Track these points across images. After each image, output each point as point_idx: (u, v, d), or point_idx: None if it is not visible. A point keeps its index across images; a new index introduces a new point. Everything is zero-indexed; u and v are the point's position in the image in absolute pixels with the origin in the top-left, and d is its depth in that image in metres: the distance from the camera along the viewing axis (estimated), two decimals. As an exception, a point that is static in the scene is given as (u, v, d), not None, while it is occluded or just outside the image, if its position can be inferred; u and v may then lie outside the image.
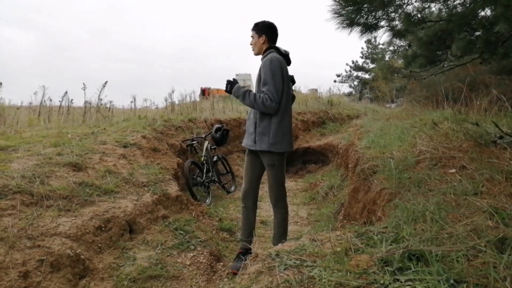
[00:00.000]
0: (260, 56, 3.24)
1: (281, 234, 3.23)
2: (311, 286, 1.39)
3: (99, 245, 2.86)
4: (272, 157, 3.12)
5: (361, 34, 5.14)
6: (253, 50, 3.28)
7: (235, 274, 2.93)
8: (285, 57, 3.20)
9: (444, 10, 5.44)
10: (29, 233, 2.48)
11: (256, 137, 3.08)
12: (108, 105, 8.17)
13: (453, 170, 2.40)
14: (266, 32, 3.19)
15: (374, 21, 4.99)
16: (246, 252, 3.19)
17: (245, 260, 2.92)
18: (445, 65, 6.05)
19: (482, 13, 5.04)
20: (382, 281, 1.32)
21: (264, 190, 6.14)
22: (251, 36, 3.26)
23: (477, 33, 5.16)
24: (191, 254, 3.25)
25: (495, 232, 1.50)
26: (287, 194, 6.70)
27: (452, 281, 1.26)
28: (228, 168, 6.94)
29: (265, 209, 5.47)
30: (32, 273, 2.28)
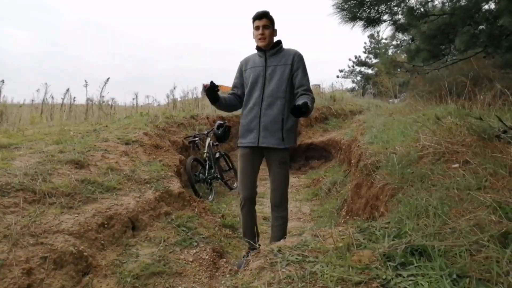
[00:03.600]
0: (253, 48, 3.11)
1: (281, 236, 3.04)
2: (313, 281, 1.39)
3: (102, 242, 2.87)
4: (286, 154, 3.04)
5: (364, 29, 5.13)
6: (264, 40, 2.96)
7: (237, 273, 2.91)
8: None
9: (447, 3, 5.40)
10: (32, 231, 2.49)
11: (284, 134, 2.94)
12: (110, 102, 8.19)
13: (456, 165, 2.39)
14: (275, 24, 3.04)
15: (377, 15, 4.97)
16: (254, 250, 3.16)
17: (247, 256, 2.92)
18: (449, 59, 6.01)
19: (486, 7, 5.00)
20: (384, 277, 1.32)
21: (266, 186, 6.15)
22: (266, 25, 2.95)
23: (481, 27, 5.12)
24: (194, 251, 3.25)
25: (498, 226, 1.49)
26: (290, 190, 6.74)
27: (455, 276, 1.26)
28: (230, 164, 6.94)
29: (268, 205, 5.46)
30: (35, 270, 2.28)
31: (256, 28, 2.98)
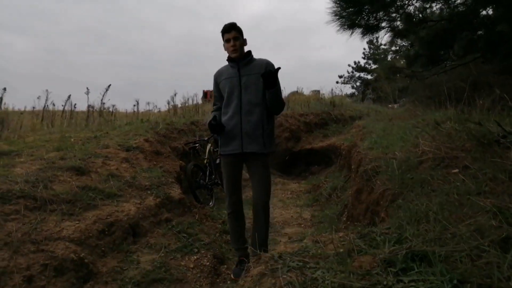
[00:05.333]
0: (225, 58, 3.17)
1: (264, 239, 3.06)
2: (314, 287, 1.39)
3: (103, 249, 2.87)
4: (267, 158, 3.11)
5: (363, 36, 5.15)
6: (236, 51, 3.04)
7: (237, 281, 2.90)
8: None
9: (445, 9, 5.43)
10: (33, 238, 2.49)
11: (265, 139, 3.03)
12: (111, 109, 8.21)
13: (456, 170, 2.39)
14: (243, 34, 3.12)
15: (375, 22, 4.99)
16: (247, 258, 3.18)
17: (248, 262, 2.92)
18: (447, 65, 6.03)
19: (484, 12, 5.03)
20: (385, 282, 1.32)
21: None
22: (236, 37, 3.02)
23: (479, 33, 5.14)
24: (195, 257, 3.25)
25: (498, 231, 1.49)
26: (291, 195, 6.74)
27: (455, 282, 1.26)
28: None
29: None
30: (36, 278, 2.28)
31: (227, 40, 3.04)
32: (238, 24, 3.08)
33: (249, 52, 3.14)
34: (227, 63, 3.19)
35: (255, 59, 3.13)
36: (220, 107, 3.22)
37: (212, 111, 3.34)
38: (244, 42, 3.10)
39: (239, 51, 3.05)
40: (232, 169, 3.16)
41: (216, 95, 3.28)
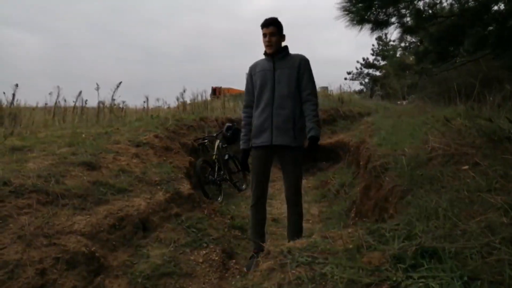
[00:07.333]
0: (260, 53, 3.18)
1: (297, 231, 3.18)
2: (323, 283, 1.40)
3: (114, 243, 2.90)
4: (300, 153, 3.11)
5: (372, 31, 5.10)
6: (271, 47, 3.05)
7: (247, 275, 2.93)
8: None
9: (455, 5, 5.37)
10: (45, 231, 2.53)
11: (295, 132, 3.04)
12: (121, 105, 8.26)
13: (466, 167, 2.38)
14: (283, 30, 3.12)
15: (385, 18, 4.95)
16: (260, 251, 3.20)
17: (257, 257, 2.94)
18: (457, 61, 5.97)
19: (495, 8, 4.96)
20: (394, 278, 1.32)
21: (275, 188, 6.17)
22: (272, 33, 3.02)
23: (490, 28, 5.08)
24: (204, 252, 3.27)
25: (509, 229, 1.49)
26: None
27: (466, 278, 1.26)
28: (239, 166, 6.96)
29: (277, 207, 5.47)
30: (48, 271, 2.32)
31: (264, 35, 3.06)
32: (277, 20, 3.07)
33: (285, 47, 3.15)
34: (263, 56, 3.19)
35: (290, 54, 3.15)
36: (250, 106, 3.25)
37: (243, 117, 3.32)
38: (282, 38, 3.11)
39: (274, 47, 3.06)
40: (261, 162, 3.19)
41: (249, 87, 3.27)
